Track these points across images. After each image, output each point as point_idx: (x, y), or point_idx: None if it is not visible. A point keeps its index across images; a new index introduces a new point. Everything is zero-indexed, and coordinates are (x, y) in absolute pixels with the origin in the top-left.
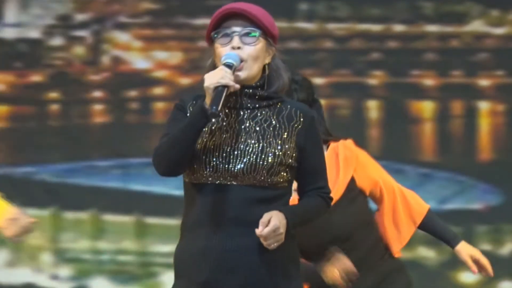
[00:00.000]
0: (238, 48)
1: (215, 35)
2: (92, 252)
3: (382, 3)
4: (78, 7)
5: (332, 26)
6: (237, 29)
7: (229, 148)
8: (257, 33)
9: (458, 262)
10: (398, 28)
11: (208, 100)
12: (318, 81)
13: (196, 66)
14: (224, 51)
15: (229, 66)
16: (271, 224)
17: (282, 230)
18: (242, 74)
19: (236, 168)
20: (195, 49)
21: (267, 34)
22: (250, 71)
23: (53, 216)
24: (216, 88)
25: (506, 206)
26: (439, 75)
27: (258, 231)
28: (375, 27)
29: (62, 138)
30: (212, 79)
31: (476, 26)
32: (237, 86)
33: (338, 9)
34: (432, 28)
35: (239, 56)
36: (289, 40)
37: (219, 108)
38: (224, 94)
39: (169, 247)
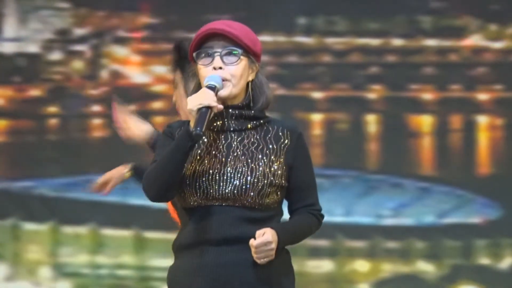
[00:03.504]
0: (220, 68)
1: (197, 56)
2: (91, 266)
3: (381, 17)
4: (77, 22)
5: (330, 41)
6: (218, 49)
7: (218, 172)
8: (237, 52)
9: (457, 276)
10: (397, 42)
11: (192, 123)
12: (316, 95)
13: None
14: (206, 71)
15: (211, 88)
16: (264, 237)
17: (274, 245)
18: (224, 92)
19: (226, 191)
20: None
21: (248, 52)
22: (233, 88)
23: (52, 231)
24: (199, 110)
25: (505, 220)
26: (438, 89)
27: (251, 240)
28: (374, 41)
29: (61, 152)
30: (194, 101)
31: (475, 40)
32: (220, 106)
33: (337, 23)
34: (430, 42)
35: (222, 76)
36: (288, 54)
37: (203, 129)
38: (208, 115)
39: (168, 262)
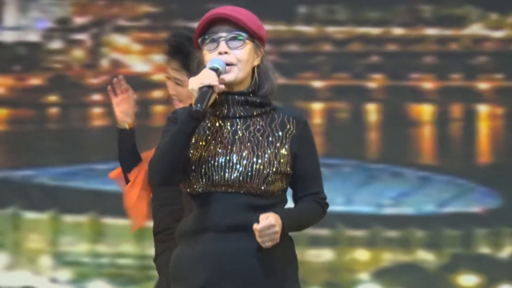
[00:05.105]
0: (225, 53)
1: (202, 41)
2: (91, 255)
3: (381, 6)
4: (77, 11)
5: (331, 30)
6: (222, 34)
7: (224, 158)
8: (242, 36)
9: (457, 265)
10: (397, 31)
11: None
12: (317, 84)
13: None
14: (212, 57)
15: (213, 69)
16: (267, 220)
17: (278, 229)
18: (228, 77)
19: (232, 178)
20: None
21: (253, 36)
22: (239, 73)
23: (52, 219)
24: (200, 89)
25: (505, 209)
26: (438, 78)
27: (255, 224)
28: (374, 31)
29: (61, 141)
30: (196, 81)
31: (475, 29)
32: (222, 86)
33: (337, 12)
34: (431, 31)
35: (227, 61)
36: (289, 43)
37: (204, 106)
38: (209, 94)
39: None
